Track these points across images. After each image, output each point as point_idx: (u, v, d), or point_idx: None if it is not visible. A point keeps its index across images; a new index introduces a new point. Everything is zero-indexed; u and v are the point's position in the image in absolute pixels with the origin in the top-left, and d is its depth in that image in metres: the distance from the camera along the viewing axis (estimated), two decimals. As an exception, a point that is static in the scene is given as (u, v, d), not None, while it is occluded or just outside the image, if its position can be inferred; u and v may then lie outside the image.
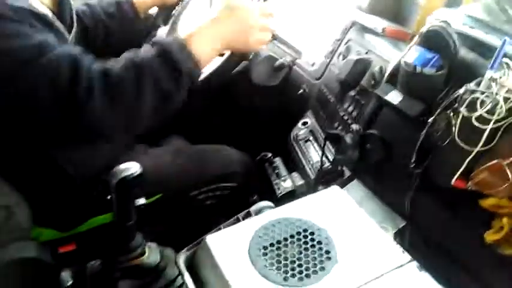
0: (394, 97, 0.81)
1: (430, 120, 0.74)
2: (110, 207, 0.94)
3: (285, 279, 0.62)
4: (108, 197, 0.86)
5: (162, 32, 1.24)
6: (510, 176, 0.62)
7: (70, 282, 0.85)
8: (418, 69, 0.77)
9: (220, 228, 0.75)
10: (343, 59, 1.08)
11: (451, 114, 0.70)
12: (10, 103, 0.74)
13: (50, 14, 0.86)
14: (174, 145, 1.33)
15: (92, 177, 0.98)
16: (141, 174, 0.83)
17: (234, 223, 0.76)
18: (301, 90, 1.24)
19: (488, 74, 0.66)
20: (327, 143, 1.00)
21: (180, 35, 0.84)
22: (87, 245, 1.04)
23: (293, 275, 0.62)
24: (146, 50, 0.80)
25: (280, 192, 1.06)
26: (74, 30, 0.98)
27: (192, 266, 0.72)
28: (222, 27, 0.86)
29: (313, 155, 1.10)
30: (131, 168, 0.83)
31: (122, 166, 0.83)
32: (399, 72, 0.81)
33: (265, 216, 0.74)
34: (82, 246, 1.04)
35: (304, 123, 1.20)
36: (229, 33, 0.86)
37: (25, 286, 0.93)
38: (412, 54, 0.79)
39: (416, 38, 0.82)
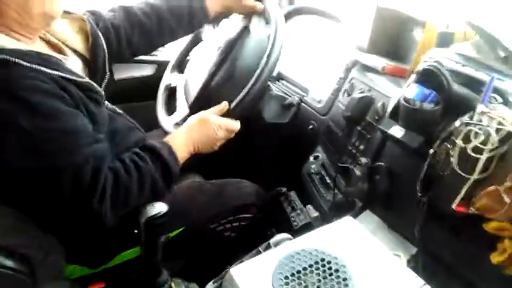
0: (397, 131, 0.87)
1: (430, 151, 0.80)
2: (136, 242, 1.00)
3: (307, 306, 0.67)
4: (135, 231, 0.93)
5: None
6: (507, 201, 0.67)
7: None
8: (418, 104, 0.83)
9: (243, 261, 0.81)
10: (348, 96, 1.16)
11: (449, 145, 0.76)
12: (31, 174, 0.82)
13: (86, 78, 0.95)
14: (192, 181, 1.40)
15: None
16: (166, 212, 0.90)
17: (255, 255, 0.82)
18: (310, 126, 1.31)
19: (479, 108, 0.72)
20: (338, 175, 1.06)
21: (165, 140, 1.00)
22: (115, 281, 1.09)
23: (315, 302, 0.67)
24: (143, 155, 0.94)
25: (297, 225, 1.11)
26: (106, 79, 1.09)
27: (219, 298, 0.77)
28: (194, 136, 1.04)
29: (326, 187, 1.16)
30: (158, 207, 0.90)
31: (149, 206, 0.90)
32: (400, 107, 0.88)
33: (284, 248, 0.79)
34: (111, 283, 1.09)
35: (316, 157, 1.26)
36: (199, 141, 1.05)
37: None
38: (411, 91, 0.86)
39: (413, 76, 0.89)
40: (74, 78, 0.89)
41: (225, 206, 1.22)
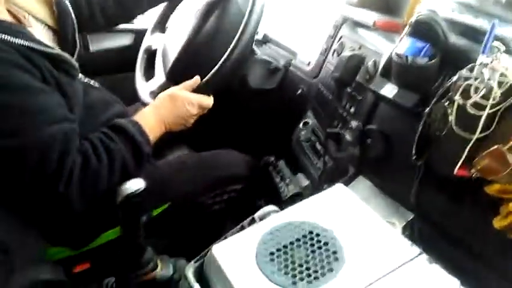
0: (389, 90, 0.80)
1: (426, 110, 0.73)
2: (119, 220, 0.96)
3: (294, 283, 0.62)
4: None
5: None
6: (511, 161, 0.61)
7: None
8: (410, 59, 0.76)
9: (226, 237, 0.76)
10: (338, 56, 1.08)
11: (447, 103, 0.69)
12: None
13: (56, 48, 0.88)
14: (179, 154, 1.35)
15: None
16: (144, 189, 0.84)
17: (239, 231, 0.76)
18: (299, 91, 1.24)
19: (480, 59, 0.65)
20: (329, 141, 0.99)
21: (134, 119, 0.94)
22: (100, 262, 1.05)
23: (301, 279, 0.62)
24: (113, 136, 0.88)
25: (286, 195, 1.06)
26: (77, 50, 1.01)
27: (202, 277, 0.72)
28: (165, 114, 0.98)
29: (316, 154, 1.10)
30: (135, 185, 0.84)
31: (126, 184, 0.84)
32: (392, 64, 0.80)
33: (270, 221, 0.74)
34: (96, 264, 1.05)
35: (305, 124, 1.19)
36: (171, 119, 0.99)
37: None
38: (402, 45, 0.79)
39: (406, 29, 0.81)
40: (43, 48, 0.82)
41: (213, 178, 1.17)
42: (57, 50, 0.87)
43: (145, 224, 0.92)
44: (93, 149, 0.85)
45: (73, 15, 1.01)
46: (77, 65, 0.93)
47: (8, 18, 0.87)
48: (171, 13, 1.33)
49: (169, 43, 1.22)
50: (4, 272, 0.85)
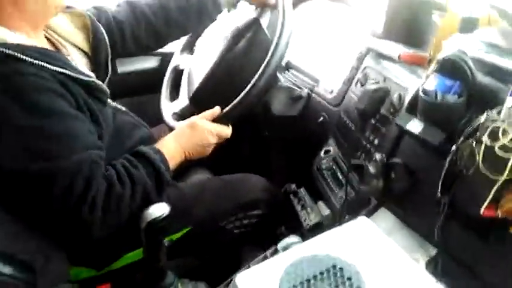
0: (415, 126, 0.81)
1: (453, 148, 0.73)
2: (141, 243, 0.97)
3: (317, 318, 0.62)
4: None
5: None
6: (539, 204, 0.61)
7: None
8: (439, 97, 0.76)
9: (249, 266, 0.76)
10: (361, 86, 1.09)
11: (474, 142, 0.69)
12: (24, 178, 0.79)
13: (92, 76, 0.92)
14: (200, 177, 1.37)
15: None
16: (169, 215, 0.85)
17: (262, 260, 0.77)
18: (321, 118, 1.25)
19: (509, 102, 0.65)
20: (351, 171, 1.00)
21: (156, 147, 0.96)
22: (121, 284, 1.06)
23: (325, 314, 0.63)
24: (136, 163, 0.90)
25: (307, 225, 1.06)
26: (108, 75, 1.06)
27: (224, 306, 0.73)
28: (185, 142, 1.02)
29: (338, 184, 1.10)
30: (159, 210, 0.86)
31: (150, 209, 0.86)
32: (418, 100, 0.81)
33: (293, 253, 0.74)
34: (116, 286, 1.06)
35: (327, 152, 1.20)
36: (190, 148, 1.02)
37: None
38: (431, 82, 0.79)
39: (432, 66, 0.82)
40: (80, 76, 0.86)
41: (234, 202, 1.18)
42: (93, 79, 0.90)
43: (167, 247, 0.93)
44: (117, 175, 0.87)
45: (107, 42, 1.05)
46: (108, 91, 0.96)
47: (47, 45, 0.91)
48: (200, 35, 1.36)
49: (195, 67, 1.25)
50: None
